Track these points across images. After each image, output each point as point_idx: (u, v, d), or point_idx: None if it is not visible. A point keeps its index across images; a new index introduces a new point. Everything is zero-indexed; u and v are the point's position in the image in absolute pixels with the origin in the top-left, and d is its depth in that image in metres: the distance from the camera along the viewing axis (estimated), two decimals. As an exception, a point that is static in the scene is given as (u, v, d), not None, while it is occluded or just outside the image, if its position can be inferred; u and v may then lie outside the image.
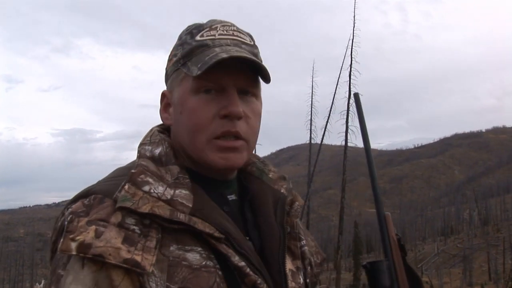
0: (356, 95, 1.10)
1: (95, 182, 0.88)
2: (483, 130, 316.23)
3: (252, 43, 0.96)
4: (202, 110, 0.88)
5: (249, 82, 0.91)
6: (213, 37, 0.91)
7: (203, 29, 0.92)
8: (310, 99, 22.30)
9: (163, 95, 0.97)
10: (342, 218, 19.79)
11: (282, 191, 1.04)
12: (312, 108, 22.22)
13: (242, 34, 0.95)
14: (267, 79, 0.92)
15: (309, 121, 22.24)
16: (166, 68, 0.99)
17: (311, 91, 22.39)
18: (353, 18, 19.96)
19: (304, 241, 1.06)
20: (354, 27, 19.85)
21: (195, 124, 0.88)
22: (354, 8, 20.07)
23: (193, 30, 0.94)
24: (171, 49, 0.98)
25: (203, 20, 0.96)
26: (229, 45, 0.90)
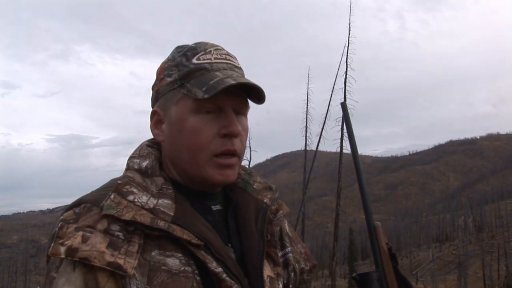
0: (343, 105, 1.12)
1: (89, 188, 0.95)
2: (478, 137, 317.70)
3: (239, 65, 1.04)
4: (203, 129, 0.95)
5: (243, 104, 1.00)
6: (209, 60, 0.97)
7: (198, 52, 0.98)
8: (306, 106, 22.37)
9: (154, 112, 1.02)
10: (337, 225, 19.80)
11: (265, 200, 1.09)
12: (308, 115, 22.28)
13: (232, 58, 1.03)
14: (261, 101, 1.01)
15: (305, 128, 22.30)
16: (154, 87, 1.04)
17: (306, 98, 22.46)
18: (348, 26, 20.10)
19: (289, 248, 1.10)
20: (349, 34, 19.98)
21: (196, 143, 0.95)
22: (350, 16, 20.21)
23: (187, 53, 0.99)
24: (159, 68, 1.04)
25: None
26: (226, 69, 0.98)
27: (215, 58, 0.99)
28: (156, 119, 1.02)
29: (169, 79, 0.99)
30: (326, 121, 19.97)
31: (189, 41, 1.05)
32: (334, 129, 20.17)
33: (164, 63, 1.03)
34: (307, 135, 22.22)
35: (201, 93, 0.93)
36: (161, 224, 0.88)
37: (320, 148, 20.94)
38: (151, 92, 1.06)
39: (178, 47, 1.04)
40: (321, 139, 20.23)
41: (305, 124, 22.31)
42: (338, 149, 19.81)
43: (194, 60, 0.98)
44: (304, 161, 22.59)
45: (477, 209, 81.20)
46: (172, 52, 1.04)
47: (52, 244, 0.83)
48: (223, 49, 1.02)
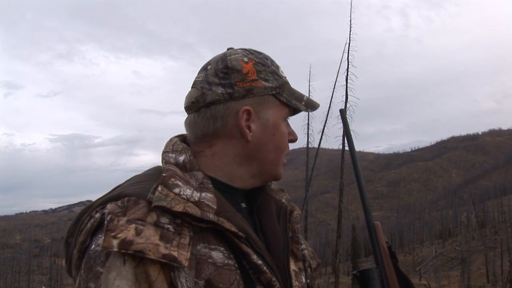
0: (342, 111, 1.18)
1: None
2: (480, 133, 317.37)
3: None
4: (286, 135, 1.08)
5: None
6: (286, 76, 1.09)
7: (279, 66, 1.09)
8: (307, 103, 22.25)
9: (248, 111, 1.02)
10: (340, 222, 19.77)
11: (283, 201, 1.15)
12: (309, 113, 22.20)
13: None
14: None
15: (306, 125, 22.26)
16: (242, 84, 1.02)
17: (308, 95, 22.39)
18: (349, 23, 20.03)
19: (303, 245, 1.15)
20: (350, 32, 19.91)
21: (284, 146, 1.07)
22: (351, 13, 20.13)
23: (274, 63, 1.07)
24: (238, 65, 1.02)
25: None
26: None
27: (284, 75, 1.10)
28: (248, 118, 1.02)
29: (266, 84, 1.03)
30: (328, 118, 19.93)
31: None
32: (336, 126, 20.18)
33: (248, 63, 1.03)
34: (309, 132, 22.18)
35: (303, 107, 1.07)
36: (211, 216, 0.89)
37: (322, 145, 20.89)
38: (224, 84, 1.02)
39: (257, 52, 1.07)
40: (323, 136, 20.19)
41: (307, 122, 22.29)
42: (340, 146, 19.77)
43: (282, 73, 1.07)
44: (307, 159, 22.55)
45: (479, 205, 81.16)
46: (250, 54, 1.05)
47: (104, 238, 0.82)
48: None
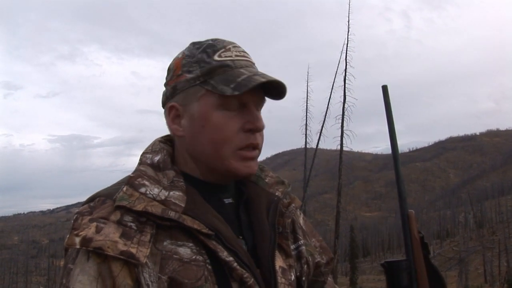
0: (385, 88, 1.09)
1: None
2: (477, 133, 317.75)
3: (254, 62, 1.07)
4: (228, 124, 0.97)
5: (262, 100, 1.04)
6: (231, 58, 1.00)
7: (218, 50, 1.00)
8: (305, 103, 22.34)
9: (172, 107, 1.02)
10: (338, 223, 19.78)
11: (277, 194, 1.11)
12: (307, 113, 22.25)
13: (248, 54, 1.06)
14: (281, 97, 1.04)
15: (304, 126, 22.27)
16: (170, 83, 1.04)
17: (306, 95, 22.43)
18: (347, 23, 20.06)
19: (302, 241, 1.12)
20: (348, 32, 19.94)
21: (221, 137, 0.97)
22: (349, 13, 20.17)
23: (206, 49, 1.00)
24: (174, 63, 1.04)
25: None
26: (247, 67, 1.01)
27: (236, 56, 1.01)
28: (174, 114, 1.02)
29: (189, 75, 1.00)
30: (326, 118, 19.95)
31: (197, 39, 1.07)
32: (334, 127, 20.13)
33: (179, 59, 1.03)
34: (307, 133, 22.20)
35: (230, 90, 0.95)
36: (172, 214, 0.90)
37: (320, 146, 20.93)
38: (164, 88, 1.07)
39: (194, 44, 1.04)
40: (321, 136, 20.21)
41: (305, 122, 22.30)
42: (338, 147, 19.79)
43: (216, 57, 0.99)
44: (305, 159, 22.57)
45: (477, 205, 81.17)
46: (188, 48, 1.04)
47: (68, 235, 0.86)
48: (240, 46, 1.05)
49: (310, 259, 1.13)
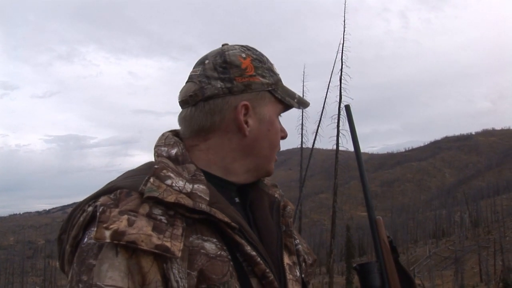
0: (347, 107, 1.18)
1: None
2: (473, 133, 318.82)
3: None
4: (279, 132, 1.09)
5: None
6: (279, 74, 1.11)
7: (272, 63, 1.11)
8: (301, 103, 22.32)
9: (246, 106, 1.02)
10: (334, 222, 19.85)
11: (276, 195, 1.16)
12: (303, 113, 22.29)
13: None
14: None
15: (300, 126, 22.33)
16: (240, 80, 1.02)
17: (302, 95, 22.46)
18: (343, 23, 20.14)
19: (297, 240, 1.17)
20: (344, 32, 20.03)
21: (277, 142, 1.09)
22: (344, 13, 20.26)
23: (269, 60, 1.10)
24: (237, 61, 1.03)
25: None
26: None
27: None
28: (244, 112, 1.03)
29: (263, 80, 1.04)
30: (322, 118, 20.01)
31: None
32: (330, 127, 20.18)
33: (244, 59, 1.04)
34: (303, 132, 22.27)
35: (296, 104, 1.09)
36: (203, 206, 0.89)
37: (316, 146, 20.94)
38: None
39: (250, 49, 1.07)
40: (317, 136, 20.26)
41: (301, 122, 22.36)
42: (334, 147, 19.86)
43: (276, 70, 1.09)
44: (301, 159, 22.64)
45: (473, 205, 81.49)
46: (247, 50, 1.06)
47: (96, 229, 0.81)
48: None
49: (306, 258, 1.17)
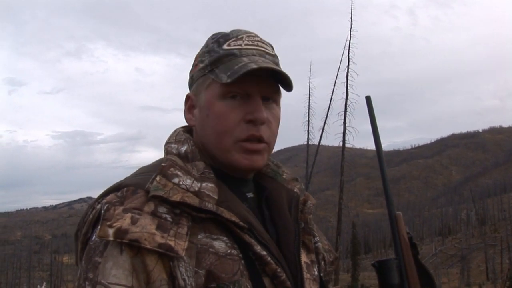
0: (368, 98, 1.11)
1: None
2: (480, 131, 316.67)
3: (273, 53, 1.04)
4: (229, 114, 0.95)
5: (272, 90, 0.99)
6: (239, 46, 0.98)
7: (230, 39, 0.99)
8: (308, 100, 22.31)
9: (188, 97, 1.04)
10: (340, 219, 19.79)
11: (295, 190, 1.11)
12: (310, 109, 22.23)
13: (265, 44, 1.03)
14: (289, 88, 1.00)
15: (307, 122, 22.25)
16: (190, 73, 1.05)
17: (308, 92, 22.41)
18: (350, 20, 20.02)
19: (317, 238, 1.12)
20: (351, 29, 19.92)
21: (222, 127, 0.95)
22: (351, 10, 20.14)
23: (219, 39, 1.00)
24: (196, 54, 1.06)
25: (226, 29, 1.04)
26: (255, 55, 0.97)
27: (246, 44, 0.99)
28: (190, 104, 1.03)
29: (201, 65, 1.01)
30: (328, 115, 19.95)
31: (204, 36, 1.07)
32: (336, 123, 20.13)
33: (200, 50, 1.05)
34: (309, 129, 22.20)
35: (225, 77, 0.93)
36: (210, 206, 0.87)
37: (323, 143, 20.96)
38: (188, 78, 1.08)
39: (213, 34, 1.04)
40: (323, 133, 20.21)
41: (307, 119, 22.28)
42: (341, 143, 19.77)
43: (225, 46, 0.98)
44: (307, 156, 22.57)
45: (479, 203, 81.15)
46: (207, 39, 1.05)
47: (99, 227, 0.81)
48: (257, 36, 1.03)
49: (326, 256, 1.14)
